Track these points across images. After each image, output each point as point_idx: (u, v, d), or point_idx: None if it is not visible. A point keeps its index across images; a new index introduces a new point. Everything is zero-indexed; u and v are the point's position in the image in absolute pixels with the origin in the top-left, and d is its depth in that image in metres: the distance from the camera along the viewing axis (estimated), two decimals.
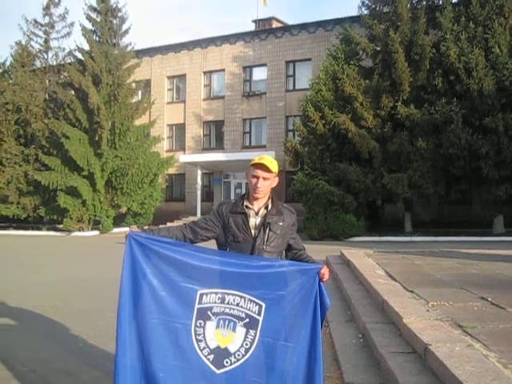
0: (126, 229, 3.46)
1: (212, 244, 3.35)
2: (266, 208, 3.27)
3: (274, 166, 3.21)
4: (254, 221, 3.23)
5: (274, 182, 3.30)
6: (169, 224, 29.49)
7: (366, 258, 10.37)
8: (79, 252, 19.06)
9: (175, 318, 3.01)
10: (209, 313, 3.01)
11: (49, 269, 13.12)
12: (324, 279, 3.04)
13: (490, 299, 5.95)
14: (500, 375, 3.34)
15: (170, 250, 3.08)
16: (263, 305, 2.99)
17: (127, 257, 3.07)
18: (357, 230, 21.76)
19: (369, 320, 5.65)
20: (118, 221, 29.88)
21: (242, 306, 3.00)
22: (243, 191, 32.25)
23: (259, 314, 2.99)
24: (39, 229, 30.61)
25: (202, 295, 3.02)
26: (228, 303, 3.01)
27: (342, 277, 8.74)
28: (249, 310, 3.00)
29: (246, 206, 3.26)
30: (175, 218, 30.25)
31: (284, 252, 3.39)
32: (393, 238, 20.98)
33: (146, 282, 3.04)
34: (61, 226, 29.12)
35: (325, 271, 3.04)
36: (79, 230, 28.53)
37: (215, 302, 3.02)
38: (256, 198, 3.25)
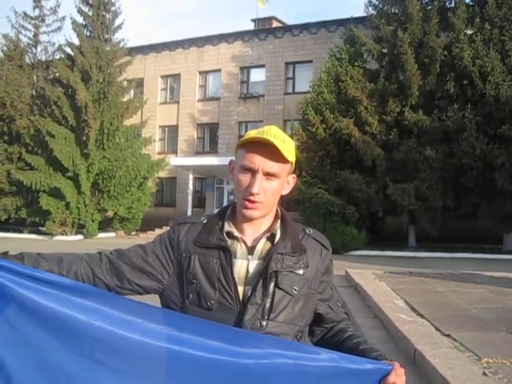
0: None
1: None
2: (271, 239, 1.57)
3: (288, 147, 1.50)
4: (243, 266, 1.52)
5: (286, 183, 1.61)
6: (157, 231, 27.90)
7: (377, 280, 8.85)
8: None
9: None
10: None
11: None
12: None
13: None
14: None
15: (50, 297, 1.33)
16: None
17: None
18: (357, 243, 20.24)
19: None
20: (104, 225, 28.25)
21: None
22: None
23: None
24: (21, 231, 28.91)
25: None
26: None
27: (352, 307, 7.19)
28: None
29: (229, 234, 1.55)
30: (164, 225, 28.60)
31: (308, 328, 1.64)
32: (395, 252, 19.43)
33: None
34: (43, 228, 27.51)
35: (397, 377, 1.37)
36: (62, 234, 26.88)
37: None
38: (249, 218, 1.55)
